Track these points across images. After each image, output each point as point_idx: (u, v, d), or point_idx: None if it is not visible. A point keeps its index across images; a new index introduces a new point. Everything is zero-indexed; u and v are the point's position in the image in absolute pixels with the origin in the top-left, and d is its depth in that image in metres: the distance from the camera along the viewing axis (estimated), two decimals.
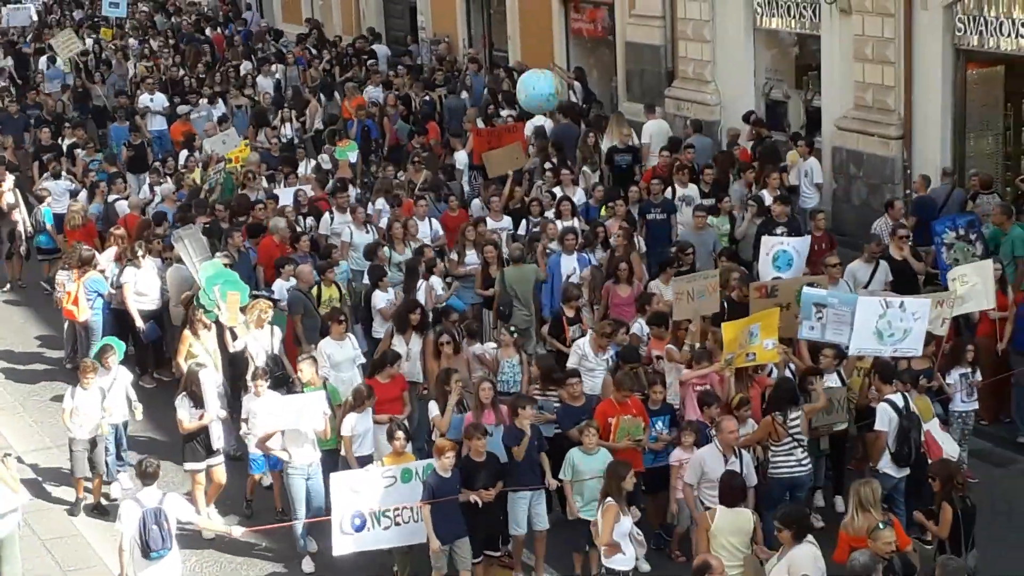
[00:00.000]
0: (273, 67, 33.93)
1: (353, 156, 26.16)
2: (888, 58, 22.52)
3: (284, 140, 28.11)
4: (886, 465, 14.26)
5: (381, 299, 18.42)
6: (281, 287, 18.78)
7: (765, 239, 19.10)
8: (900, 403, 14.32)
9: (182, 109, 30.25)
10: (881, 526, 11.67)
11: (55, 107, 31.74)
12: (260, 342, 17.05)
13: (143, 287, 19.84)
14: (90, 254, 20.10)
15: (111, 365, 16.55)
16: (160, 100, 31.04)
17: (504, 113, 27.77)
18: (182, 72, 34.28)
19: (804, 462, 14.39)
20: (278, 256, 19.75)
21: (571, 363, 16.01)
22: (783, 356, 15.47)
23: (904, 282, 18.09)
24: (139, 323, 19.79)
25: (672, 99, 27.46)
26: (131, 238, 20.87)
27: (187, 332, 17.47)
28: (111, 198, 23.88)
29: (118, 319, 19.98)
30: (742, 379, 15.25)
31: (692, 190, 21.89)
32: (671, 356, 15.90)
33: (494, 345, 16.98)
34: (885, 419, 14.28)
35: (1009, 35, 20.80)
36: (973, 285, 16.56)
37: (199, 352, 17.17)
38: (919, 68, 22.14)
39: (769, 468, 14.41)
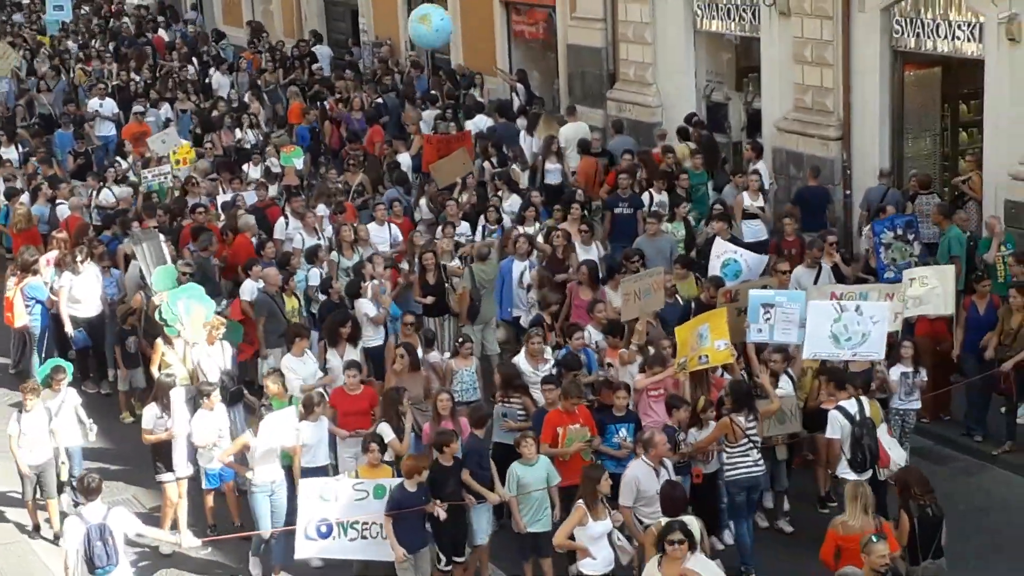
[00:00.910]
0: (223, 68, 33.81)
1: (299, 162, 26.04)
2: (827, 60, 22.73)
3: (248, 146, 27.85)
4: (844, 470, 14.20)
5: (368, 307, 18.14)
6: (252, 287, 18.66)
7: (719, 243, 19.14)
8: (853, 409, 14.26)
9: (137, 110, 29.82)
10: (875, 539, 11.44)
11: (3, 114, 31.12)
12: (213, 358, 16.81)
13: (79, 293, 19.47)
14: (32, 259, 19.85)
15: (60, 387, 16.04)
16: (110, 105, 30.64)
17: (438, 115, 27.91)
18: (131, 76, 33.85)
19: (759, 463, 14.41)
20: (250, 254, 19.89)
21: None
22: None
23: None
24: (68, 329, 19.47)
25: (614, 101, 27.59)
26: (72, 242, 20.73)
27: (160, 341, 17.20)
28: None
29: (60, 325, 19.78)
30: (701, 382, 15.19)
31: (667, 197, 21.89)
32: (621, 359, 15.92)
33: (448, 354, 17.02)
34: (836, 426, 14.24)
35: (946, 37, 21.07)
36: (932, 288, 16.58)
37: (173, 361, 16.94)
38: (857, 70, 22.37)
39: (725, 470, 14.41)
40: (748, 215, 21.03)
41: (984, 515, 15.73)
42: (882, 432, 14.62)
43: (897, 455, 14.59)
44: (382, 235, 20.88)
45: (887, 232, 18.74)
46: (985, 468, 16.92)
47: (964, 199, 20.77)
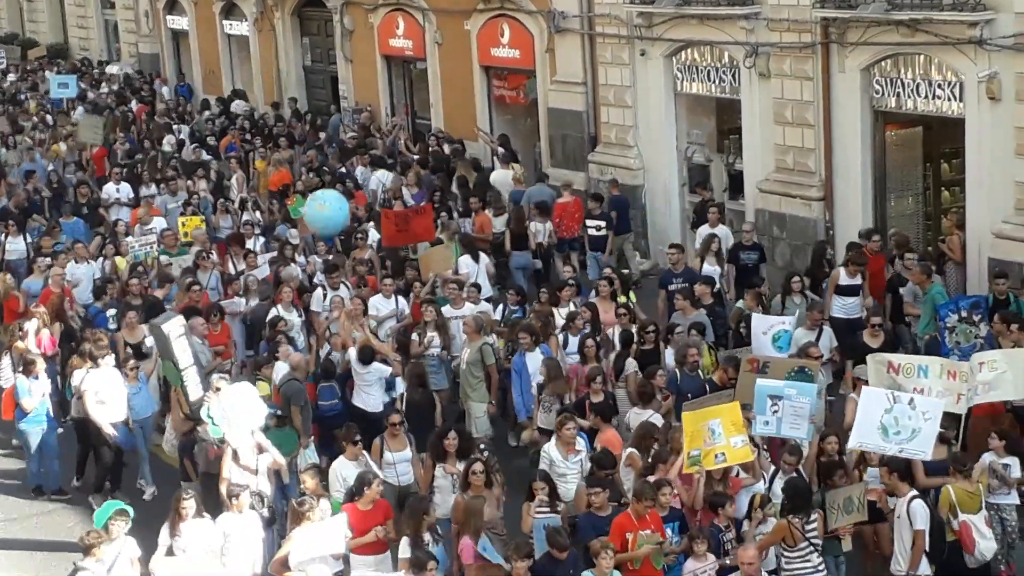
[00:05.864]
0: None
1: (304, 210, 25.31)
2: (808, 121, 22.82)
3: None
4: (926, 569, 13.44)
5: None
6: (278, 370, 17.93)
7: (761, 318, 18.38)
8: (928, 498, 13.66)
9: (150, 193, 28.55)
10: None
11: (22, 200, 29.31)
12: (246, 474, 15.11)
13: (105, 395, 17.74)
14: (32, 360, 18.58)
15: (116, 533, 13.78)
16: (126, 190, 29.02)
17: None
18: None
19: (820, 567, 13.46)
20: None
21: (543, 466, 15.09)
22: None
23: None
24: (109, 430, 17.61)
25: (595, 163, 27.61)
26: (51, 315, 20.32)
27: (227, 457, 15.29)
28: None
29: (81, 431, 18.39)
30: (720, 481, 14.33)
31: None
32: (633, 462, 15.01)
33: None
34: (925, 516, 13.42)
35: (926, 96, 21.20)
36: (1002, 373, 15.56)
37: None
38: (838, 130, 22.47)
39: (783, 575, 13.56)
40: (842, 291, 19.85)
41: None
42: (979, 519, 13.92)
43: (985, 546, 13.87)
44: (388, 307, 20.47)
45: (951, 315, 17.83)
46: None
47: (944, 259, 20.71)
